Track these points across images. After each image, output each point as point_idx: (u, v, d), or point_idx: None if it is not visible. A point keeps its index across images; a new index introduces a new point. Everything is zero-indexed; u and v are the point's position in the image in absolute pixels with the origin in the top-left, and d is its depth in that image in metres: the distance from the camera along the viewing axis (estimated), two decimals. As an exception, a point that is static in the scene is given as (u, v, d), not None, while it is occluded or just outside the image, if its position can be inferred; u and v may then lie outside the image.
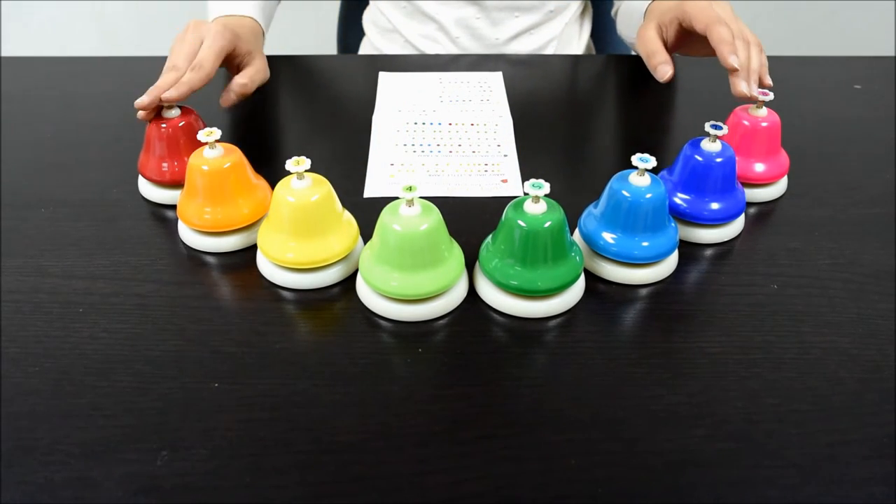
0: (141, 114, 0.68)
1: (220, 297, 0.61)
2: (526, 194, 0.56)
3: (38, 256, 0.64)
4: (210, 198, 0.63)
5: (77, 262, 0.64)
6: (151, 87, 0.68)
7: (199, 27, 0.76)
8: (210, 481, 0.47)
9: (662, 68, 0.76)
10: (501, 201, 0.66)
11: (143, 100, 0.67)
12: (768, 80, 0.71)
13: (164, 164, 0.69)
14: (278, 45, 1.03)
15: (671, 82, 0.96)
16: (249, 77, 0.78)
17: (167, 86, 0.69)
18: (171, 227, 0.68)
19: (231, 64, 0.80)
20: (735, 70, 0.68)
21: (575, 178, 0.77)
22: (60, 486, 0.46)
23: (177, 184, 0.69)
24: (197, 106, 0.71)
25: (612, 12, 1.03)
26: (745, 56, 0.70)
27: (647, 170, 0.59)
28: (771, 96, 0.69)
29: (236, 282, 0.63)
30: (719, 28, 0.70)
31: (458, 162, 0.77)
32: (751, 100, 0.69)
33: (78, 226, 0.68)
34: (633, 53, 1.06)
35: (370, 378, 0.54)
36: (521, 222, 0.56)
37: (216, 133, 0.62)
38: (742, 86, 0.68)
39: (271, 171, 0.69)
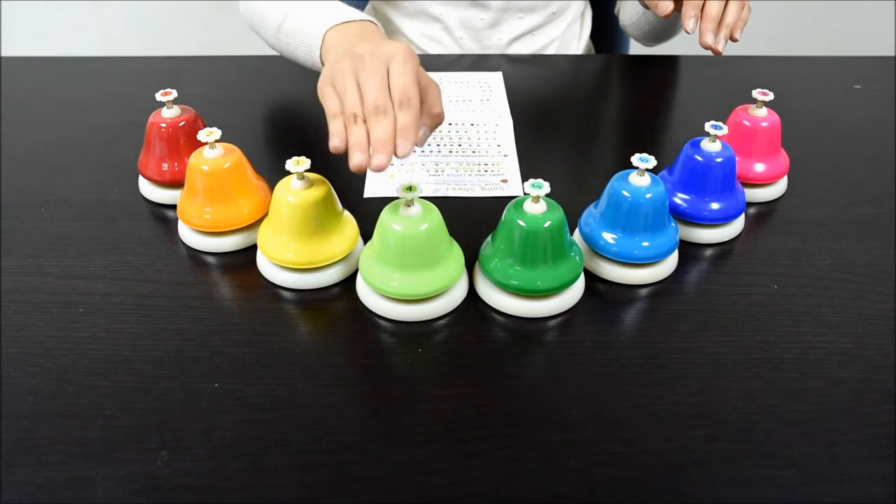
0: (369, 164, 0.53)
1: (220, 297, 0.61)
2: (526, 194, 0.56)
3: (38, 256, 0.64)
4: (210, 198, 0.63)
5: (77, 262, 0.64)
6: (372, 147, 0.53)
7: (373, 47, 0.59)
8: (210, 481, 0.47)
9: (663, 4, 0.75)
10: (501, 201, 0.66)
11: (362, 161, 0.52)
12: (737, 35, 0.71)
13: (164, 164, 0.69)
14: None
15: (671, 82, 0.96)
16: (440, 101, 0.60)
17: (390, 136, 0.53)
18: (171, 227, 0.68)
19: None
20: (695, 30, 0.70)
21: (575, 178, 0.77)
22: (60, 486, 0.46)
23: (177, 184, 0.69)
24: (197, 105, 0.71)
25: (615, 10, 1.03)
26: (716, 10, 0.70)
27: (647, 170, 0.59)
28: (771, 96, 0.69)
29: (236, 282, 0.63)
30: None
31: (458, 162, 0.77)
32: (715, 53, 0.70)
33: (78, 226, 0.68)
34: (633, 53, 1.06)
35: (370, 378, 0.54)
36: (520, 222, 0.56)
37: (216, 133, 0.62)
38: (707, 36, 0.70)
39: (271, 171, 0.68)
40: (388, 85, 0.56)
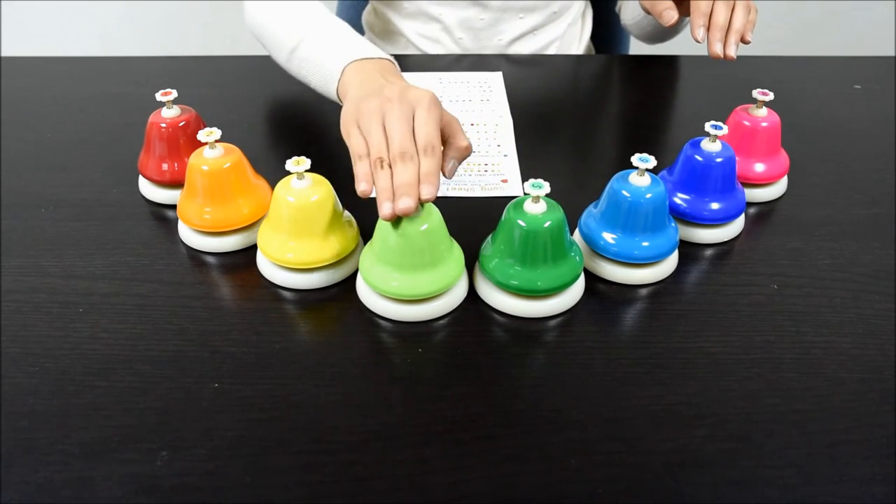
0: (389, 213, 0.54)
1: (220, 297, 0.61)
2: (526, 194, 0.56)
3: (38, 256, 0.64)
4: (210, 198, 0.63)
5: (77, 262, 0.64)
6: (396, 190, 0.54)
7: (400, 91, 0.60)
8: (210, 481, 0.47)
9: (668, 13, 0.76)
10: (501, 201, 0.66)
11: (391, 211, 0.53)
12: (748, 38, 0.72)
13: (164, 164, 0.69)
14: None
15: (671, 82, 0.96)
16: (464, 136, 0.61)
17: (414, 180, 0.54)
18: (171, 227, 0.68)
19: None
20: (704, 39, 0.71)
21: (575, 178, 0.77)
22: (60, 486, 0.46)
23: (177, 184, 0.69)
24: (197, 105, 0.71)
25: (616, 8, 1.03)
26: (723, 17, 0.71)
27: (647, 170, 0.59)
28: (771, 96, 0.69)
29: (236, 282, 0.63)
30: None
31: (458, 162, 0.77)
32: (727, 59, 0.71)
33: (78, 226, 0.68)
34: (633, 53, 1.06)
35: (370, 378, 0.54)
36: (521, 222, 0.56)
37: (216, 133, 0.62)
38: (716, 46, 0.71)
39: (271, 171, 0.69)
40: (412, 130, 0.57)
